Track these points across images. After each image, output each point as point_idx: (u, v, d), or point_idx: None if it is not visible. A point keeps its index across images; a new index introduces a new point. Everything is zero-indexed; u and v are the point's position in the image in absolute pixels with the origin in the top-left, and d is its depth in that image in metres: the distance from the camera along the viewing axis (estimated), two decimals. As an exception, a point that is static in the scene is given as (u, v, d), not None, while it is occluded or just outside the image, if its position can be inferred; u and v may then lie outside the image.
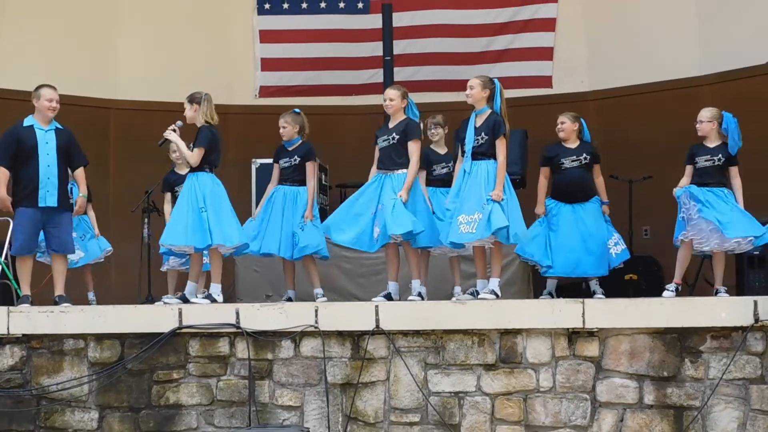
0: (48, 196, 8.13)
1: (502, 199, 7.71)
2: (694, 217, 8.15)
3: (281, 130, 8.92)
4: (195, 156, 8.18)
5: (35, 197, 8.09)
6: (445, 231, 7.94)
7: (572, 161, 8.77)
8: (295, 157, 8.86)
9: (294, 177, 8.86)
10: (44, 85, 8.31)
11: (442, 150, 8.95)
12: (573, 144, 8.85)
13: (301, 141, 8.93)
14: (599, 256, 8.65)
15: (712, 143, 8.41)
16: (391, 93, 8.35)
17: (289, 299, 8.72)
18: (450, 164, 8.79)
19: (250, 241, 8.60)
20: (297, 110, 9.02)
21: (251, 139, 11.40)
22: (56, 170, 8.18)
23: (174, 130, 8.32)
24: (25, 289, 8.18)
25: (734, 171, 8.35)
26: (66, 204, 8.30)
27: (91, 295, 9.73)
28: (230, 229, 8.17)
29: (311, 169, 8.87)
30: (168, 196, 9.61)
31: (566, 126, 8.83)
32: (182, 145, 8.28)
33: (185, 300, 8.17)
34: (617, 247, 8.69)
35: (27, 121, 8.27)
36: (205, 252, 8.34)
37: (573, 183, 8.74)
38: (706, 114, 8.44)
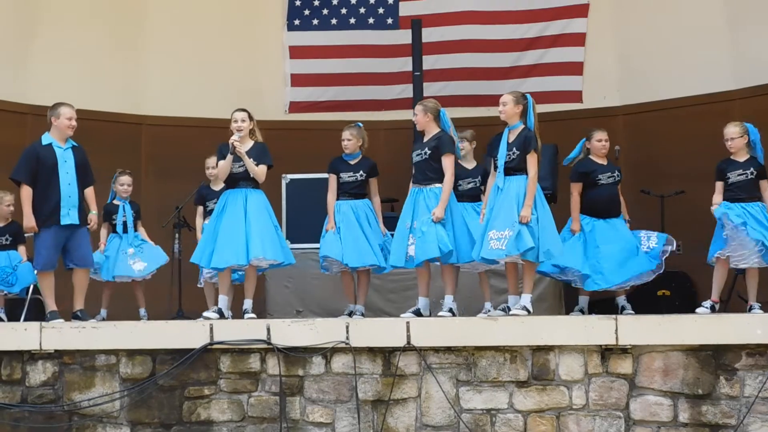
0: (70, 215, 8.18)
1: (529, 221, 7.66)
2: (740, 236, 8.09)
3: (345, 143, 8.87)
4: (264, 172, 8.45)
5: (57, 216, 8.14)
6: (478, 246, 7.92)
7: (608, 177, 8.77)
8: (361, 172, 8.82)
9: (357, 191, 8.83)
10: (62, 103, 8.34)
11: (469, 165, 8.91)
12: (604, 161, 8.84)
13: (361, 155, 8.93)
14: (642, 259, 8.60)
15: (742, 158, 8.39)
16: (416, 108, 8.40)
17: (351, 313, 8.69)
18: (477, 179, 8.77)
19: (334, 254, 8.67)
20: (359, 124, 9.03)
21: (281, 155, 11.30)
22: (76, 188, 8.24)
23: (239, 142, 8.40)
24: (51, 305, 8.21)
25: (764, 184, 8.34)
26: (84, 219, 8.35)
27: (142, 311, 9.71)
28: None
29: (376, 185, 8.90)
30: (200, 209, 9.63)
31: (609, 144, 8.88)
32: (247, 158, 8.38)
33: (221, 314, 8.19)
34: (651, 241, 8.66)
35: (45, 140, 8.28)
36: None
37: (609, 198, 8.75)
38: (736, 130, 8.42)
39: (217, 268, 8.49)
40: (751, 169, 8.31)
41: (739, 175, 8.32)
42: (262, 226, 8.34)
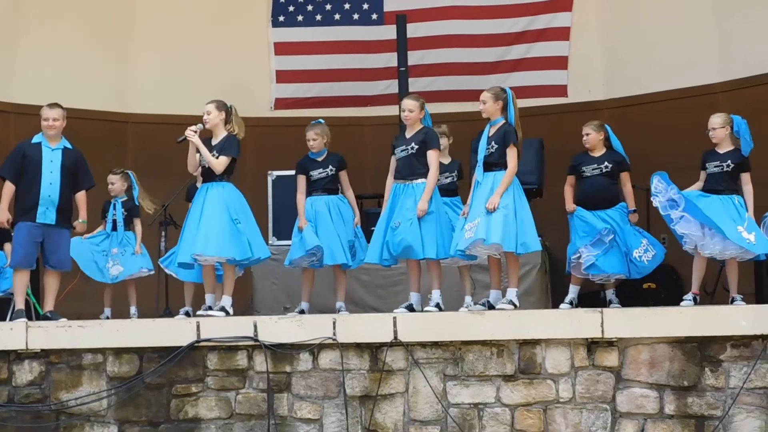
0: (47, 213, 8.18)
1: (495, 207, 7.66)
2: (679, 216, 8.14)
3: (311, 143, 8.87)
4: (222, 164, 8.17)
5: (34, 213, 8.15)
6: (454, 241, 7.94)
7: (593, 169, 8.76)
8: (330, 167, 8.85)
9: (329, 186, 8.85)
10: (49, 104, 8.38)
11: (445, 160, 8.90)
12: (598, 152, 8.81)
13: (327, 151, 8.93)
14: (620, 259, 8.58)
15: (724, 149, 8.38)
16: (411, 104, 8.29)
17: (302, 311, 8.69)
18: (453, 174, 8.78)
19: (304, 251, 8.64)
20: (321, 120, 9.02)
21: (267, 151, 11.41)
22: (58, 189, 8.22)
23: (195, 132, 8.24)
24: (20, 303, 8.22)
25: (745, 177, 8.30)
26: (65, 222, 8.34)
27: (133, 309, 9.72)
28: (261, 241, 8.32)
29: (346, 178, 8.93)
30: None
31: (591, 137, 8.81)
32: (204, 149, 8.21)
33: (223, 310, 8.12)
34: (647, 254, 8.57)
35: (36, 138, 8.35)
36: (217, 264, 8.36)
37: (593, 191, 8.72)
38: (717, 120, 8.41)
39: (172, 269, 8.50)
40: (729, 161, 8.29)
41: (715, 166, 8.33)
42: (211, 220, 8.07)
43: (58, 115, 8.31)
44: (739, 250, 8.07)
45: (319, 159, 8.90)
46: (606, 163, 8.74)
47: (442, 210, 8.27)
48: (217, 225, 8.07)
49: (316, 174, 8.88)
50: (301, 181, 8.93)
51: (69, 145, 8.39)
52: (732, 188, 8.27)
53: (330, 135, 8.97)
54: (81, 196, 8.46)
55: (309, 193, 8.89)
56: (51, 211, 8.19)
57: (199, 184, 9.42)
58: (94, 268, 9.56)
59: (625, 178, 8.76)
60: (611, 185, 8.74)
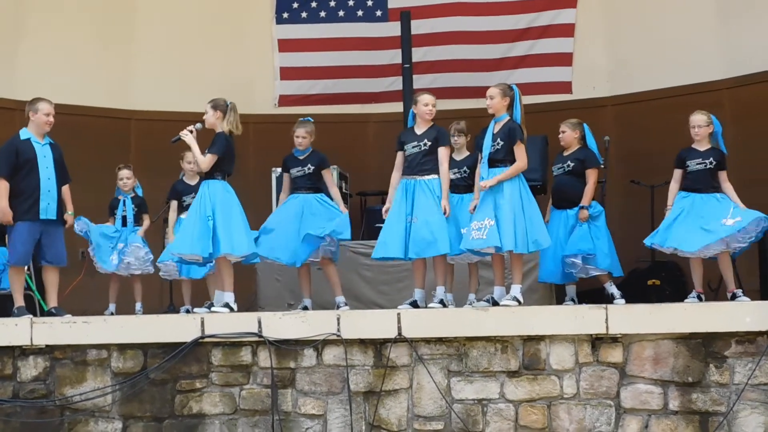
0: (49, 209, 8.16)
1: (487, 188, 7.71)
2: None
3: (300, 140, 8.89)
4: (207, 161, 8.16)
5: (36, 209, 8.12)
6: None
7: (558, 168, 8.80)
8: (309, 165, 8.86)
9: (308, 185, 8.86)
10: (41, 98, 8.32)
11: (459, 156, 8.90)
12: (568, 151, 8.82)
13: (311, 149, 8.94)
14: (558, 265, 8.59)
15: (703, 147, 8.39)
16: (434, 100, 8.27)
17: (305, 308, 8.69)
18: (462, 169, 8.77)
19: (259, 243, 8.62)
20: (309, 118, 9.03)
21: (271, 149, 11.36)
22: (55, 183, 8.22)
23: (191, 131, 8.26)
24: (19, 301, 8.21)
25: (723, 175, 8.31)
26: (61, 217, 8.33)
27: (138, 306, 9.70)
28: (239, 238, 8.14)
29: (329, 176, 8.92)
30: (174, 204, 9.61)
31: (566, 135, 8.84)
32: (196, 148, 8.23)
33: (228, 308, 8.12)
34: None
35: (23, 134, 8.27)
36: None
37: (557, 189, 8.79)
38: (703, 118, 8.41)
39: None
40: (711, 159, 8.29)
41: (698, 164, 8.33)
42: (188, 220, 8.28)
43: (54, 111, 8.30)
44: (722, 245, 8.07)
45: (301, 157, 8.93)
46: (569, 162, 8.73)
47: (453, 204, 8.28)
48: (188, 224, 8.21)
49: (294, 172, 8.91)
50: (285, 179, 9.00)
51: (51, 140, 8.36)
52: (712, 186, 8.27)
53: (314, 133, 8.97)
54: (67, 191, 8.45)
55: (292, 191, 8.92)
56: (53, 205, 8.18)
57: (191, 181, 9.47)
58: (105, 257, 9.55)
59: (589, 174, 8.65)
60: (573, 184, 8.67)
